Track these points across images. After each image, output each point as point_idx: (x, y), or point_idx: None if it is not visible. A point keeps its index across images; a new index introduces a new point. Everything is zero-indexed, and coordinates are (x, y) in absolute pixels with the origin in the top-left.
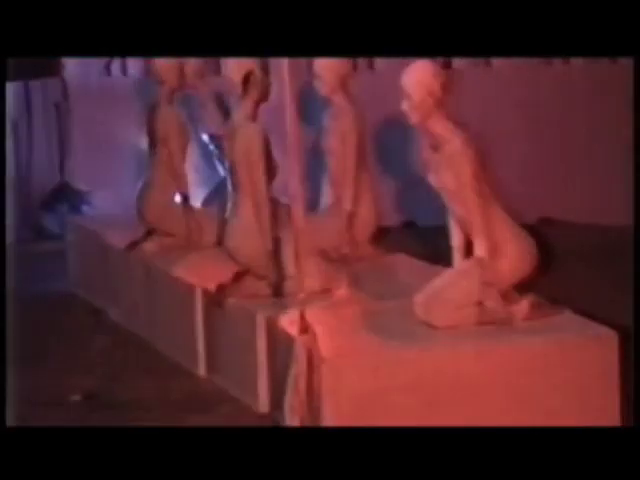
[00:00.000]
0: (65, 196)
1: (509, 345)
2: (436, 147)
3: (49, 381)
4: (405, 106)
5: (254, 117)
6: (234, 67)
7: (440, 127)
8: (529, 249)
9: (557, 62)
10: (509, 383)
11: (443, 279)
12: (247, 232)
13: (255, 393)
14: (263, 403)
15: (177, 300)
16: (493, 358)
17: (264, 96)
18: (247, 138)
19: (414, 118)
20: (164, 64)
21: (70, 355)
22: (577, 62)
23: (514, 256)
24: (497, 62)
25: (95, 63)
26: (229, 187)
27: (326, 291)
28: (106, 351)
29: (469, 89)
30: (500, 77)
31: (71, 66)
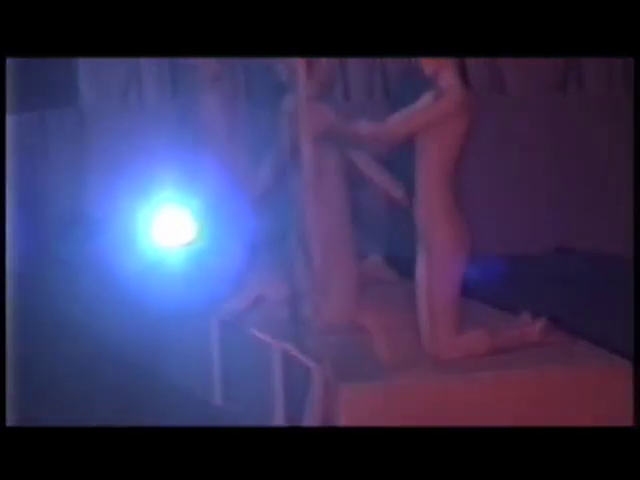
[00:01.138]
0: (80, 224)
1: (523, 375)
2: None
3: (59, 409)
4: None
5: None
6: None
7: (450, 80)
8: (462, 231)
9: (572, 89)
10: (523, 413)
11: (423, 304)
12: None
13: (271, 420)
14: None
15: (192, 328)
16: (507, 388)
17: (329, 78)
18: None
19: (429, 68)
20: None
21: (80, 384)
22: (592, 89)
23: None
24: (512, 89)
25: (112, 92)
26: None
27: (351, 323)
28: (117, 379)
29: (484, 116)
30: (515, 104)
31: (88, 95)
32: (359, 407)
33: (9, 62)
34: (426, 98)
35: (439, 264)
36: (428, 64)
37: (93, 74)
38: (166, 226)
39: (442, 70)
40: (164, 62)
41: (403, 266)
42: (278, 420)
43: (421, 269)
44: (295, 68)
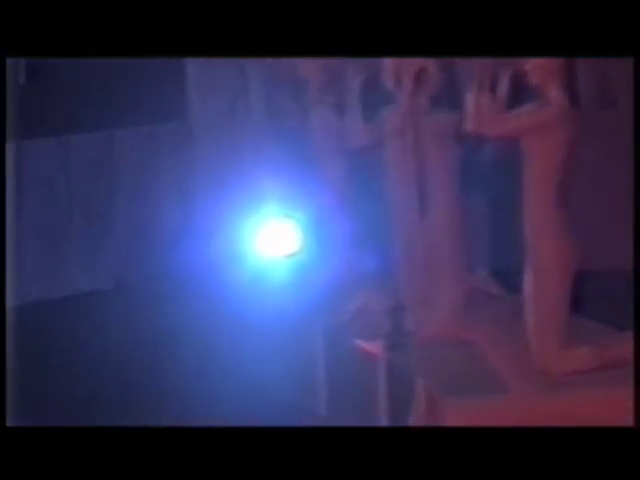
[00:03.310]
0: (187, 236)
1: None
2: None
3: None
4: (528, 65)
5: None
6: (405, 63)
7: (556, 91)
8: (571, 247)
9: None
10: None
11: (532, 319)
12: None
13: None
14: None
15: (296, 338)
16: (617, 403)
17: (436, 92)
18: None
19: (535, 78)
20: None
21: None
22: (622, 106)
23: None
24: (622, 104)
25: (220, 107)
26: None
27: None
28: (218, 387)
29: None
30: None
31: (197, 110)
32: (464, 422)
33: (115, 78)
34: (531, 106)
35: (548, 280)
36: (535, 74)
37: (202, 89)
38: (270, 237)
39: (549, 80)
40: (271, 76)
41: (507, 281)
42: None
43: (529, 284)
44: (402, 79)
